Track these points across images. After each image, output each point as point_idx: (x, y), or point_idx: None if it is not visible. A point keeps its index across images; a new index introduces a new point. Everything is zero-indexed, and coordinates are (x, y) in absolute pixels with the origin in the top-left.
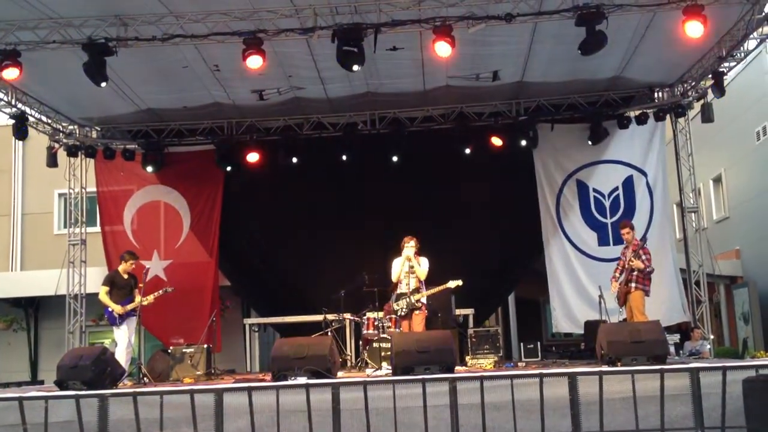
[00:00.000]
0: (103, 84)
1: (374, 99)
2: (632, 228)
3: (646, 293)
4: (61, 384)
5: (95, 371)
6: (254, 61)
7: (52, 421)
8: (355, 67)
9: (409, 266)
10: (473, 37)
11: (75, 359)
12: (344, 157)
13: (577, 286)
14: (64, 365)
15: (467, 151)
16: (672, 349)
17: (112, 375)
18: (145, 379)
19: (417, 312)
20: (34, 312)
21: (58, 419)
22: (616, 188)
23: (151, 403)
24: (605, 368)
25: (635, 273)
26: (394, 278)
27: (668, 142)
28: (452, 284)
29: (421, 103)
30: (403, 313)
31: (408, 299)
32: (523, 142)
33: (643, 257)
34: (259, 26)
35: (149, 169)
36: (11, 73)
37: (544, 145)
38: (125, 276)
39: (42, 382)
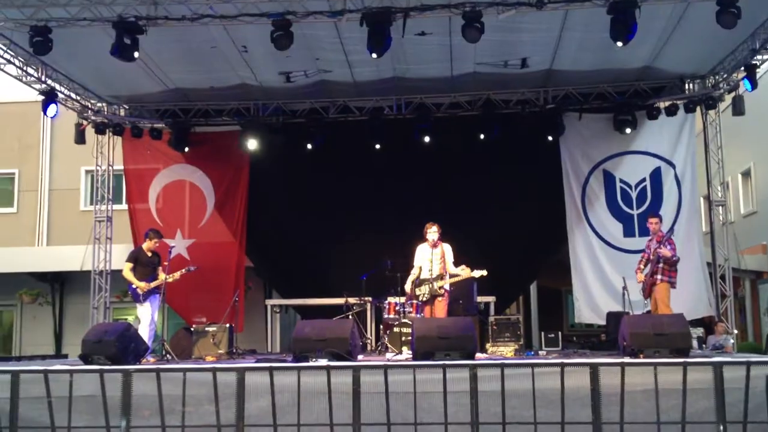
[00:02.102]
0: (136, 54)
1: (401, 84)
2: (661, 220)
3: (672, 285)
4: (85, 358)
5: (119, 347)
6: (282, 43)
7: (76, 394)
8: (374, 55)
9: (432, 252)
10: (502, 23)
11: (100, 334)
12: (370, 142)
13: (601, 276)
14: (88, 340)
15: (493, 138)
16: (695, 342)
17: (136, 351)
18: (168, 356)
19: (439, 299)
20: (59, 287)
21: (83, 393)
22: (644, 179)
23: (174, 379)
24: (627, 360)
25: (661, 265)
26: (416, 263)
27: (697, 134)
28: (477, 274)
29: (448, 89)
30: (425, 299)
31: (431, 285)
32: (550, 131)
33: (669, 247)
34: (288, 8)
35: (176, 148)
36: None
37: (571, 134)
38: (149, 254)
39: (66, 356)
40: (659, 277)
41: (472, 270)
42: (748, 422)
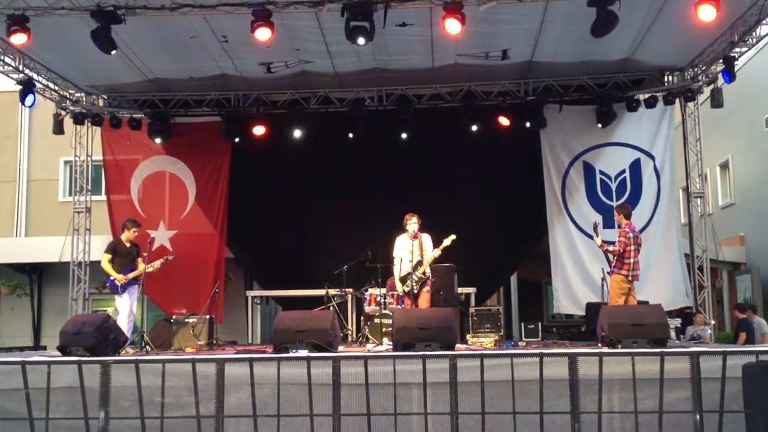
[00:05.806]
0: (113, 52)
1: (382, 75)
2: (623, 214)
3: (634, 277)
4: (63, 350)
5: (98, 338)
6: (263, 33)
7: (54, 386)
8: (361, 41)
9: (413, 244)
10: (483, 14)
11: (78, 325)
12: (350, 133)
13: (580, 267)
14: (67, 331)
15: (474, 130)
16: (673, 333)
17: (115, 342)
18: (147, 347)
19: (424, 289)
20: (37, 278)
21: (61, 384)
22: (623, 171)
23: (153, 371)
24: (605, 350)
25: (611, 257)
26: (396, 255)
27: (676, 126)
28: (447, 242)
29: (429, 81)
30: (416, 291)
31: (413, 277)
32: (531, 123)
33: (617, 239)
34: None
35: (155, 139)
36: (19, 39)
37: (552, 126)
38: (128, 244)
39: (44, 348)
40: (610, 268)
41: (440, 246)
42: (725, 411)
